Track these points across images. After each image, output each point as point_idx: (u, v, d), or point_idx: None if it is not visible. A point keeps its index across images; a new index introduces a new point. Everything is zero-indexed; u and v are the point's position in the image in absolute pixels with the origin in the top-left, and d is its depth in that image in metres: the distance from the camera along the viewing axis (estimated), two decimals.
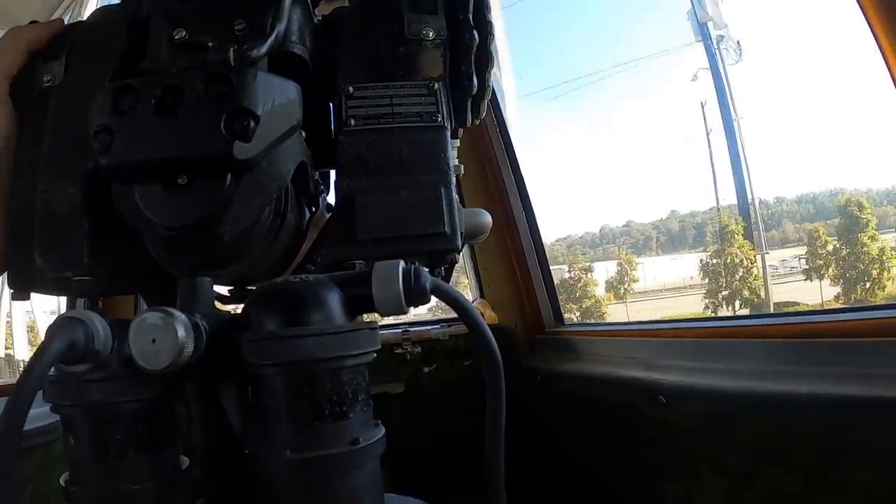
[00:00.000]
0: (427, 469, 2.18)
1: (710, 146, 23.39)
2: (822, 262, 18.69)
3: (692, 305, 20.31)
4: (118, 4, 0.80)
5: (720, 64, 20.92)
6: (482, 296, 2.46)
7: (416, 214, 0.79)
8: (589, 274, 20.94)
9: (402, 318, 2.46)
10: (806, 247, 20.30)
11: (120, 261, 0.75)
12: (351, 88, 0.81)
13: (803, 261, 20.83)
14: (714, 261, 19.33)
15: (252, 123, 0.63)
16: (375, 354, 0.69)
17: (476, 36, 0.84)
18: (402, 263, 0.67)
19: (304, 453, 0.63)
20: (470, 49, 0.84)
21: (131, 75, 0.69)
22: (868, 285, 17.41)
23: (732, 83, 20.97)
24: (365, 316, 0.72)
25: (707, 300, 19.18)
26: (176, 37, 0.71)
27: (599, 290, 21.48)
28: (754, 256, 18.94)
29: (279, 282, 0.69)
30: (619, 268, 22.43)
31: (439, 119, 0.82)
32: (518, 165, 2.39)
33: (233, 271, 0.77)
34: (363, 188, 0.79)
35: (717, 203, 24.26)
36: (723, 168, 22.28)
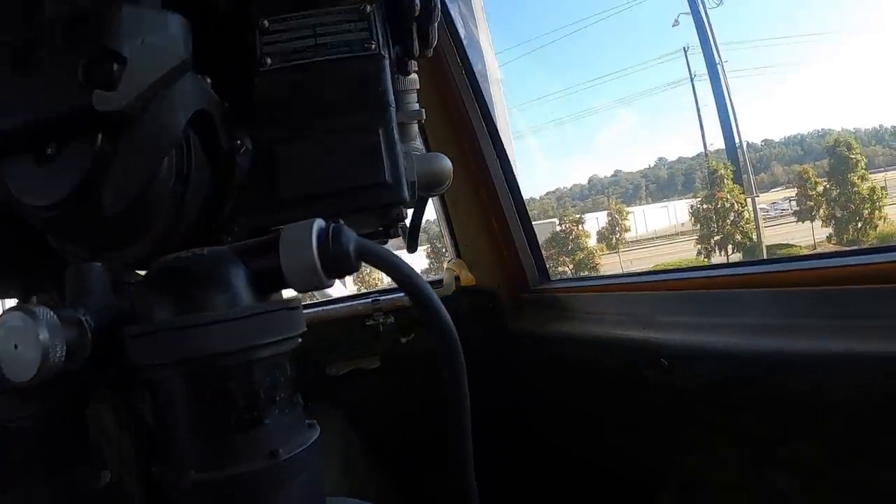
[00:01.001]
0: (411, 446, 2.04)
1: (694, 91, 23.43)
2: (812, 203, 18.75)
3: (686, 252, 20.40)
4: None
5: (701, 8, 20.80)
6: (459, 256, 2.26)
7: (350, 163, 0.66)
8: (580, 226, 20.86)
9: (373, 286, 2.31)
10: (796, 189, 20.34)
11: (16, 256, 0.66)
12: (266, 22, 0.69)
13: (794, 203, 20.90)
14: (705, 206, 19.31)
15: (116, 67, 0.50)
16: (300, 339, 0.58)
17: None
18: (317, 223, 0.54)
19: (211, 472, 0.52)
20: None
21: None
22: (860, 225, 17.49)
23: (714, 27, 20.90)
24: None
25: (699, 245, 19.22)
26: None
27: (591, 242, 21.51)
28: (744, 200, 18.95)
29: (170, 259, 0.56)
30: (610, 218, 22.41)
31: (373, 47, 0.69)
32: (487, 107, 2.16)
33: (136, 251, 0.63)
34: (285, 137, 0.66)
35: (705, 148, 24.30)
36: (709, 113, 22.34)
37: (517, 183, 2.18)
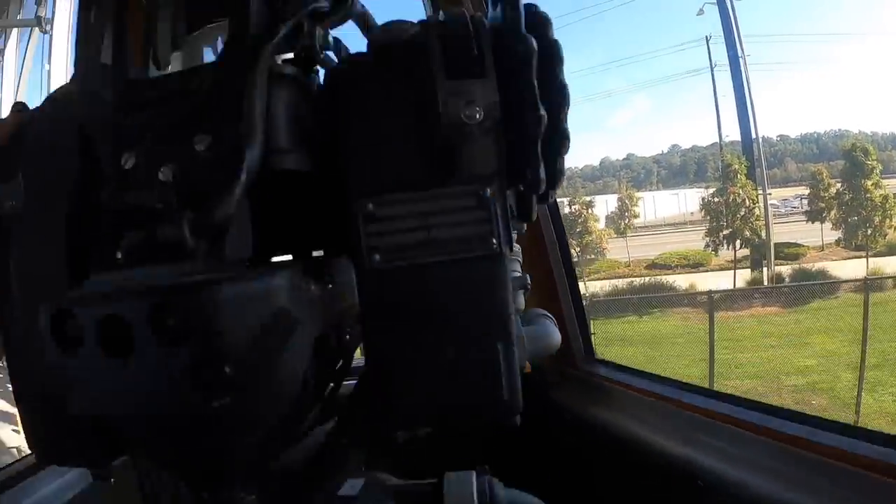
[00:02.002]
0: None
1: (713, 82, 23.20)
2: (823, 204, 18.64)
3: (693, 242, 20.39)
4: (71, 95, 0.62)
5: None
6: None
7: (464, 378, 0.60)
8: (590, 209, 20.74)
9: None
10: (808, 188, 20.21)
11: None
12: (370, 205, 0.59)
13: (805, 201, 20.76)
14: (716, 199, 19.18)
15: (227, 370, 0.47)
16: None
17: (544, 112, 0.58)
18: (474, 476, 0.58)
19: None
20: (536, 131, 0.58)
21: (87, 209, 0.56)
22: (869, 232, 17.42)
23: (739, 19, 20.64)
24: None
25: (707, 238, 19.16)
26: (125, 165, 0.54)
27: (600, 225, 21.43)
28: (756, 196, 18.82)
29: None
30: (620, 203, 22.28)
31: (494, 244, 0.59)
32: None
33: None
34: (396, 345, 0.61)
35: (720, 139, 24.10)
36: (725, 104, 22.15)
37: (569, 249, 2.04)
